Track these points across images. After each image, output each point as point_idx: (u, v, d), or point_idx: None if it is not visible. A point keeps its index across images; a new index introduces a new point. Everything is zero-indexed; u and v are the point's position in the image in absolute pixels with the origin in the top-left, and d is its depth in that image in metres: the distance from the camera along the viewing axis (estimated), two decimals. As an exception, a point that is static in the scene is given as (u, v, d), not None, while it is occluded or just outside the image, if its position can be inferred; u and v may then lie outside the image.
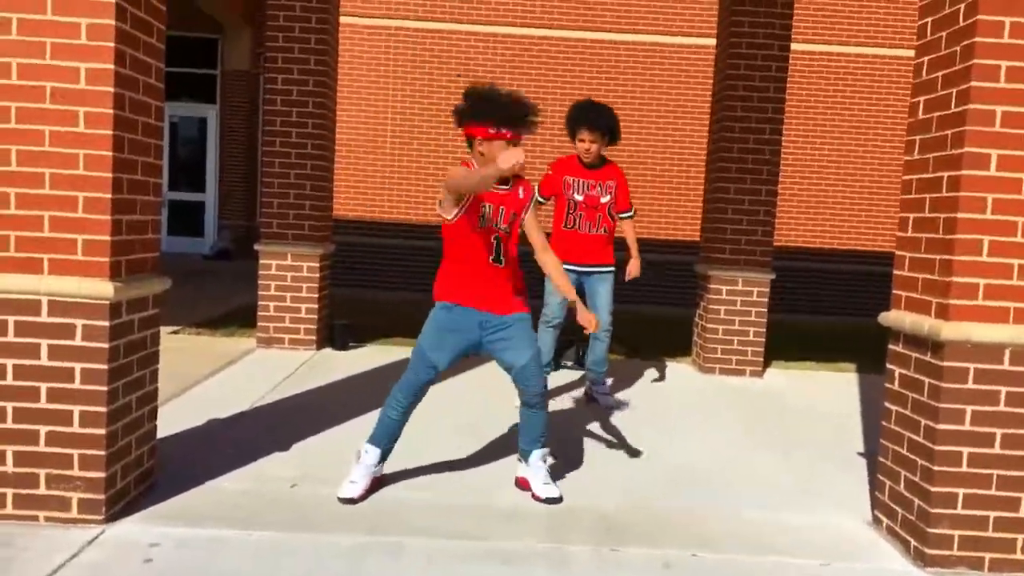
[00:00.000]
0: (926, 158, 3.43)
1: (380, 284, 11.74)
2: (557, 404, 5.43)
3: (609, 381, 5.78)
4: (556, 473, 3.98)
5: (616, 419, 5.22)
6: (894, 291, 3.62)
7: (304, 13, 6.67)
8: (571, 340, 6.58)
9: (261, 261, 6.82)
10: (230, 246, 14.29)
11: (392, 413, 3.69)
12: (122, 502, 3.34)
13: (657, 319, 9.78)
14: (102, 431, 3.16)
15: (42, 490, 3.17)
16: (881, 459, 3.67)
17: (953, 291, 3.18)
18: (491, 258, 3.64)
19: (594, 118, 5.30)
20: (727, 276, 6.71)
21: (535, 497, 3.75)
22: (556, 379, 6.11)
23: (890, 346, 3.63)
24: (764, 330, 6.74)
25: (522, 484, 3.86)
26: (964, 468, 3.22)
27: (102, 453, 3.17)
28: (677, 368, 6.99)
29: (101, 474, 3.18)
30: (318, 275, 6.85)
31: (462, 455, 4.31)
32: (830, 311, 11.72)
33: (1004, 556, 3.24)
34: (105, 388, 3.15)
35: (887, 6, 12.12)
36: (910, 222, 3.53)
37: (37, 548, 2.99)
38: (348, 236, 11.24)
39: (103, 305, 3.12)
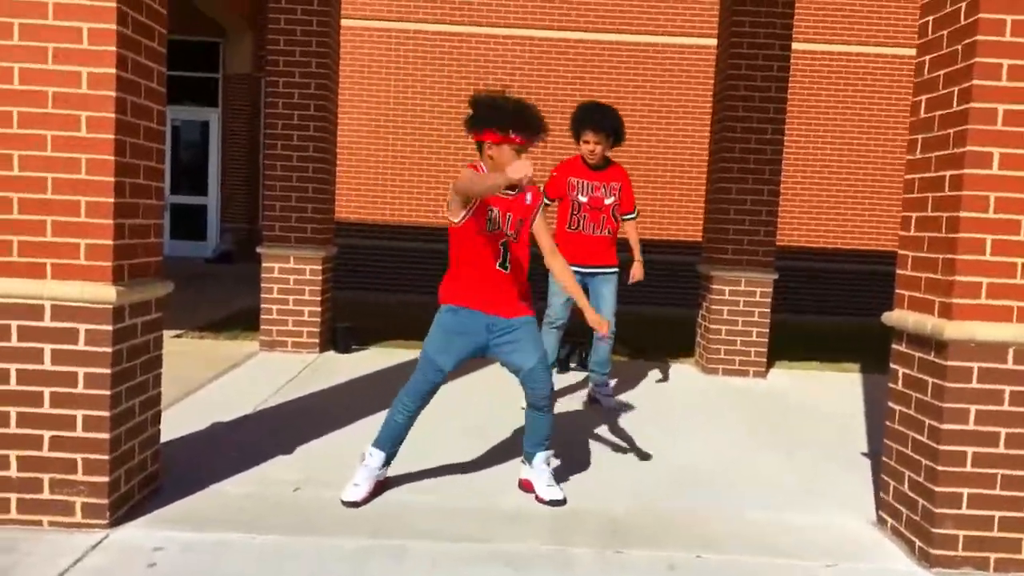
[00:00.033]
0: (928, 157, 3.42)
1: (382, 287, 11.74)
2: (560, 406, 5.41)
3: (612, 382, 5.78)
4: (559, 475, 3.98)
5: (619, 420, 5.22)
6: (897, 290, 3.61)
7: (305, 16, 6.68)
8: (574, 342, 6.57)
9: (263, 264, 6.83)
10: (232, 249, 14.29)
11: (398, 417, 3.69)
12: (126, 506, 3.34)
13: (659, 320, 9.77)
14: (106, 435, 3.16)
15: (46, 495, 3.17)
16: (885, 459, 3.66)
17: (956, 290, 3.17)
18: (498, 263, 3.65)
19: (599, 119, 5.29)
20: (730, 276, 6.70)
21: (539, 499, 3.75)
22: (560, 381, 6.10)
23: (893, 346, 3.62)
24: (767, 330, 6.74)
25: (526, 486, 3.86)
26: (968, 468, 3.21)
27: (106, 457, 3.17)
28: (680, 369, 6.98)
29: (105, 478, 3.18)
30: (320, 278, 6.86)
31: (468, 458, 4.31)
32: (834, 311, 11.70)
33: (1009, 556, 3.23)
34: (108, 392, 3.15)
35: (888, 5, 12.10)
36: (912, 221, 3.52)
37: (41, 553, 2.99)
38: (350, 239, 11.25)
39: (106, 309, 3.12)
